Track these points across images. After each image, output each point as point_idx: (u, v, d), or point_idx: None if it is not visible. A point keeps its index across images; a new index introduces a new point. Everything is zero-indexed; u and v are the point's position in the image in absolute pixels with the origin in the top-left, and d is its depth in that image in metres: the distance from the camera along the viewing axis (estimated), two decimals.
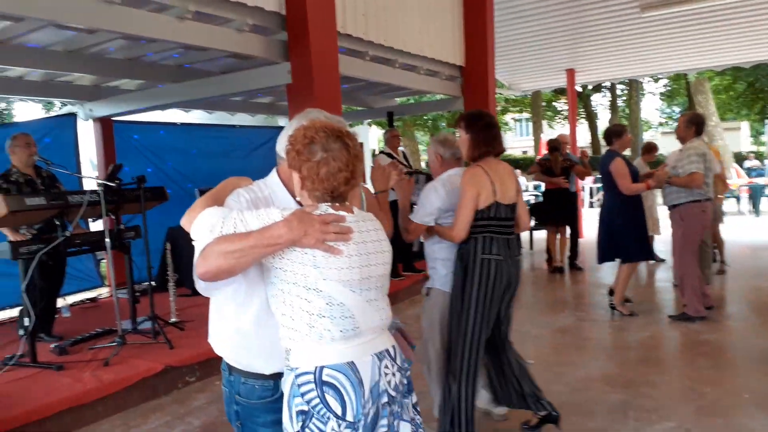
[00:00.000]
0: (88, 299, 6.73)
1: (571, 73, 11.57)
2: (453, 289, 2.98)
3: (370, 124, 15.86)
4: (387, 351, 1.63)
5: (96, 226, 5.97)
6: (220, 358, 4.39)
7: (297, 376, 1.54)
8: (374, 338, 1.61)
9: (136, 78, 6.27)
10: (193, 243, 1.55)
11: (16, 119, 16.49)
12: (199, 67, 6.25)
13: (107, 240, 4.42)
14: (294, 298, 1.53)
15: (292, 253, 1.51)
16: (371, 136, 17.59)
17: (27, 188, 4.69)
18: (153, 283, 6.72)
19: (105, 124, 7.14)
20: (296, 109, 5.02)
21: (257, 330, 1.67)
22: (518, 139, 40.44)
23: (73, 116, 7.10)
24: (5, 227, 4.35)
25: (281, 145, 1.76)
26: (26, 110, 16.00)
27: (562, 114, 29.58)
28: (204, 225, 1.53)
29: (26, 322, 4.14)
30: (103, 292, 7.00)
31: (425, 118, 18.31)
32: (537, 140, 21.24)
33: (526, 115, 31.08)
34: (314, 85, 4.84)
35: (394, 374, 1.62)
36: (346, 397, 1.51)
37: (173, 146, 7.98)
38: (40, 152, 5.45)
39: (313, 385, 1.51)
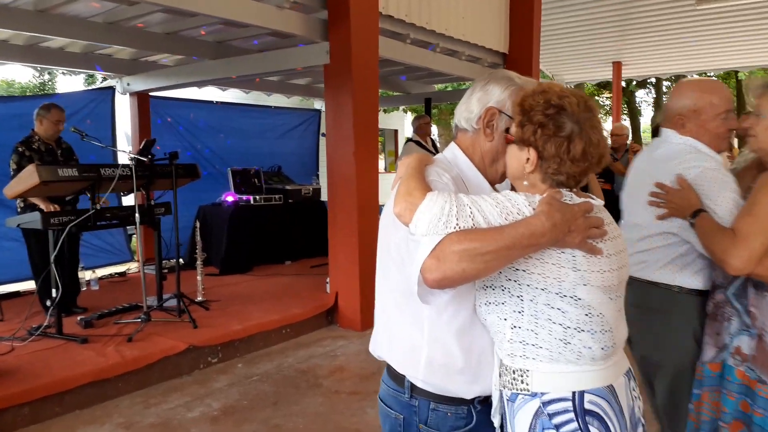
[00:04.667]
0: (117, 273, 6.76)
1: (617, 66, 11.21)
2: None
3: (405, 111, 15.67)
4: (630, 369, 1.35)
5: (129, 201, 5.98)
6: (242, 340, 4.33)
7: (546, 403, 1.25)
8: (622, 355, 1.34)
9: (175, 53, 6.21)
10: (413, 237, 1.22)
11: (58, 92, 16.74)
12: (238, 45, 6.16)
13: (136, 215, 4.38)
14: (541, 308, 1.23)
15: (545, 252, 1.21)
16: (406, 123, 17.39)
17: (48, 157, 4.66)
18: (181, 260, 6.77)
19: (141, 99, 7.12)
20: (332, 90, 4.93)
21: (462, 345, 1.35)
22: None
23: (110, 90, 7.12)
24: (36, 197, 4.34)
25: (465, 114, 1.44)
26: (68, 83, 16.12)
27: (603, 109, 28.88)
28: (433, 215, 1.18)
29: (53, 293, 4.14)
30: (132, 266, 7.03)
31: None
32: None
33: None
34: (352, 66, 4.72)
35: (638, 397, 1.36)
36: (612, 429, 1.24)
37: (208, 125, 7.95)
38: (77, 124, 5.44)
39: (572, 415, 1.23)
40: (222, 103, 8.37)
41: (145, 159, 4.44)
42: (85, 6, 4.83)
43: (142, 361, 3.76)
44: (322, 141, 8.73)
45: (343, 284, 4.96)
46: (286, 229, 7.11)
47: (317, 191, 7.69)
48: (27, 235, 4.64)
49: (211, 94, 8.88)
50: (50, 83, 17.66)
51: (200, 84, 7.03)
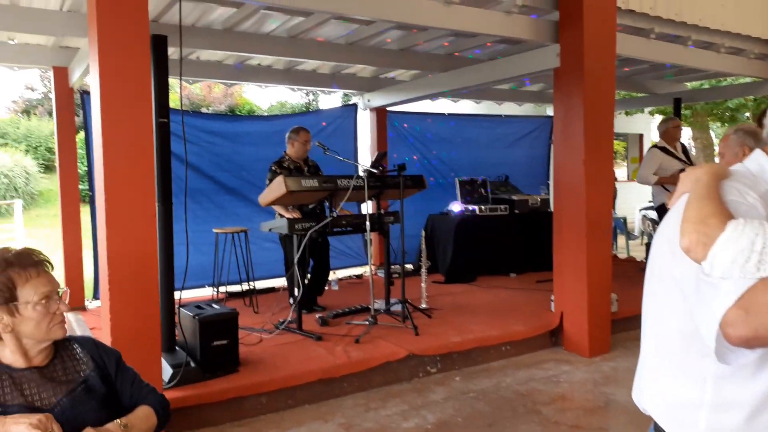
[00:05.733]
0: (355, 275, 7.28)
1: None
2: None
3: (652, 113, 14.22)
4: None
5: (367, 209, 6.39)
6: (461, 352, 4.28)
7: None
8: None
9: (409, 68, 6.47)
10: (706, 279, 0.97)
11: (317, 109, 18.78)
12: (467, 55, 6.18)
13: (367, 223, 4.62)
14: None
15: None
16: (653, 127, 15.80)
17: (296, 174, 5.17)
18: (410, 266, 7.02)
19: (380, 114, 7.57)
20: (562, 94, 4.65)
21: (762, 415, 1.06)
22: None
23: (354, 106, 7.71)
24: (280, 205, 4.84)
25: None
26: (329, 102, 18.01)
27: None
28: (738, 253, 0.92)
29: (296, 292, 4.58)
30: (368, 270, 7.49)
31: (724, 106, 15.81)
32: None
33: None
34: (584, 67, 4.39)
35: None
36: None
37: (439, 136, 8.15)
38: (326, 138, 5.96)
39: None
40: (453, 114, 8.52)
41: (376, 171, 4.68)
42: (330, 29, 5.26)
43: (365, 363, 3.94)
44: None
45: (570, 304, 4.62)
46: (511, 240, 6.93)
47: (545, 202, 7.36)
48: (282, 238, 5.23)
49: (444, 106, 9.10)
50: (314, 103, 19.86)
51: (433, 96, 7.22)
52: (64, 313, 1.64)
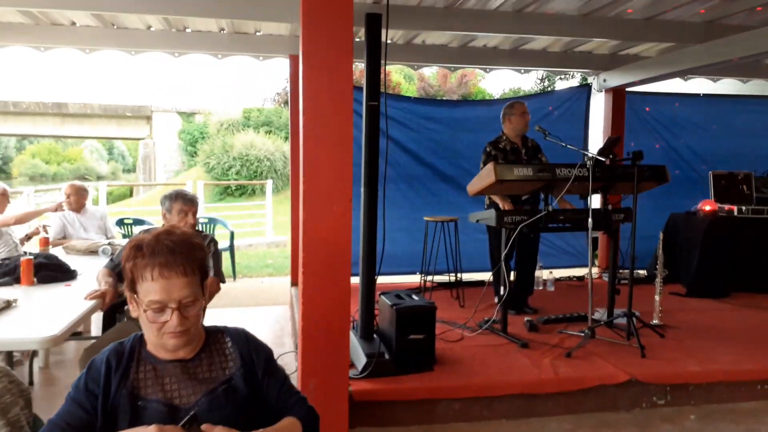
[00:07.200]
0: (575, 277, 6.59)
1: None
2: None
3: None
4: None
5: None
6: (700, 386, 3.50)
7: None
8: None
9: (655, 41, 5.56)
10: None
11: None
12: (732, 23, 5.07)
13: (589, 220, 4.02)
14: None
15: None
16: None
17: (512, 156, 4.74)
18: (642, 272, 6.12)
19: (617, 95, 6.71)
20: None
21: None
22: None
23: (586, 87, 6.96)
24: (494, 194, 4.46)
25: None
26: (565, 85, 16.94)
27: None
28: None
29: (501, 290, 4.18)
30: (593, 271, 6.74)
31: None
32: None
33: None
34: None
35: None
36: None
37: (690, 121, 7.00)
38: (549, 124, 5.44)
39: None
40: (707, 95, 7.21)
41: (605, 159, 4.03)
42: (562, 1, 4.69)
43: (576, 383, 3.40)
44: None
45: None
46: None
47: None
48: (489, 230, 4.88)
49: (699, 85, 7.76)
50: (549, 87, 19.00)
51: (684, 74, 6.15)
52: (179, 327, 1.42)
